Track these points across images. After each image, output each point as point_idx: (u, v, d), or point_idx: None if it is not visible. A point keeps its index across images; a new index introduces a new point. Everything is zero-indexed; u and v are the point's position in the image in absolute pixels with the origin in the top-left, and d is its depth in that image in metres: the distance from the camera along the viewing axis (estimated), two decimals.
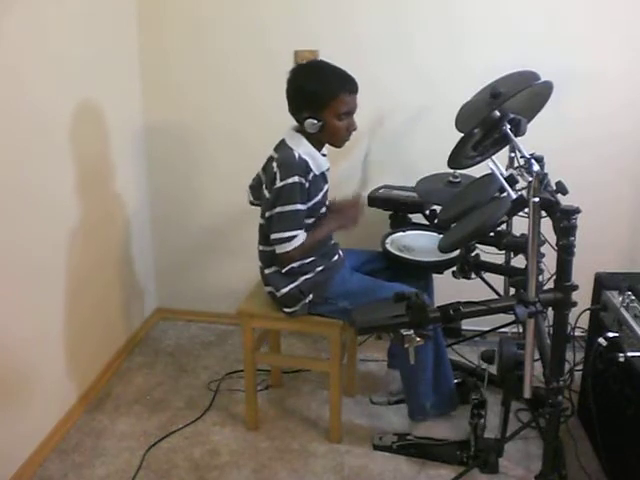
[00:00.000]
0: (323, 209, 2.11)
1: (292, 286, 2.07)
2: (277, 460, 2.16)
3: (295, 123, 2.05)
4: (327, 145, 2.10)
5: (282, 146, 2.04)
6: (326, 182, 2.12)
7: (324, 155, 2.10)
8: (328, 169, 2.11)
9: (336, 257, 2.18)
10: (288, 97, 2.00)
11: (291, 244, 1.96)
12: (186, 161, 2.87)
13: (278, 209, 1.96)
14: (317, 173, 2.02)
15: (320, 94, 1.94)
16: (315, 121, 1.95)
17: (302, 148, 1.99)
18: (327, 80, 1.95)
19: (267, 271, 2.12)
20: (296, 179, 1.93)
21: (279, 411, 2.42)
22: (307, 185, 1.97)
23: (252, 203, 2.24)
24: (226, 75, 2.72)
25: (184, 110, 2.80)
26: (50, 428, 2.20)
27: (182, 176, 2.90)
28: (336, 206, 2.18)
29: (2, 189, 1.88)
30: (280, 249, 1.98)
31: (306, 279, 2.08)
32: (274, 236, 1.98)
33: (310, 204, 2.00)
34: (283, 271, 2.08)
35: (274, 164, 1.99)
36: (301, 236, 1.97)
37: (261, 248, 2.13)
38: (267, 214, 2.02)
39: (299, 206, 1.95)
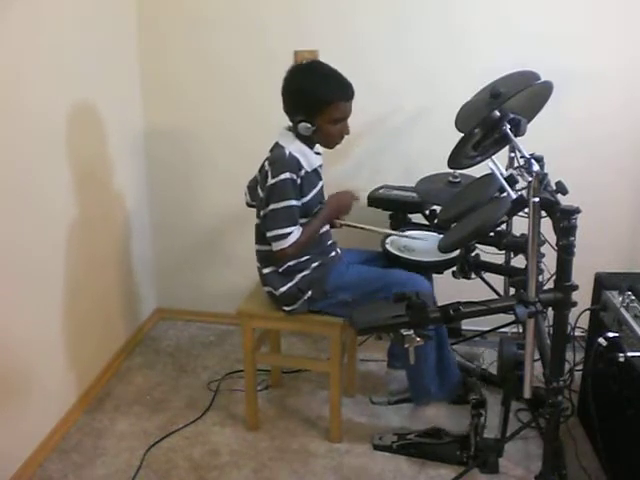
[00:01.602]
0: (320, 206, 2.11)
1: (290, 285, 2.07)
2: (277, 460, 2.16)
3: (288, 122, 2.06)
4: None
5: (275, 146, 2.05)
6: (320, 179, 2.12)
7: (318, 153, 2.10)
8: (321, 166, 2.11)
9: (333, 254, 2.19)
10: (284, 96, 2.01)
11: (287, 240, 1.96)
12: (186, 161, 2.87)
13: (272, 206, 1.97)
14: (309, 170, 2.02)
15: (316, 100, 1.95)
16: (309, 125, 1.97)
17: (293, 146, 2.00)
18: (324, 86, 1.95)
19: (265, 271, 2.12)
20: (287, 175, 1.94)
21: (279, 411, 2.42)
22: (299, 181, 1.98)
23: (248, 204, 2.25)
24: (226, 75, 2.72)
25: (184, 111, 2.80)
26: (50, 428, 2.20)
27: (181, 176, 2.90)
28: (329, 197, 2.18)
29: (1, 189, 1.88)
30: (277, 246, 1.98)
31: (303, 276, 2.08)
32: (270, 234, 1.98)
33: (304, 200, 2.01)
34: (280, 270, 2.08)
35: (266, 163, 2.01)
36: (296, 232, 1.97)
37: (257, 248, 2.13)
38: (262, 213, 2.03)
39: (292, 202, 1.96)
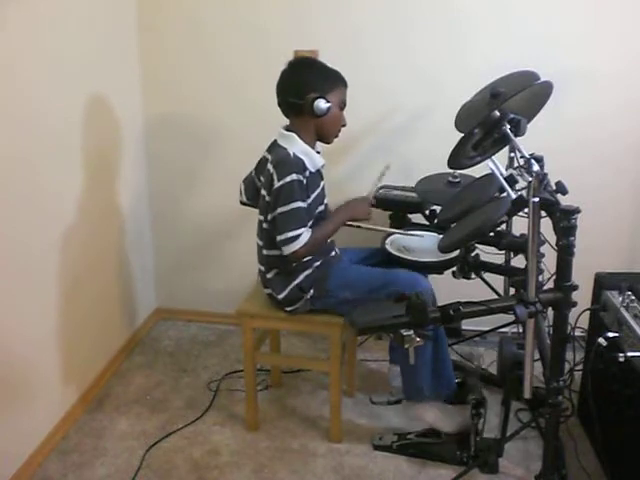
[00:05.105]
0: (321, 207, 2.11)
1: (292, 285, 2.07)
2: (277, 460, 2.16)
3: (286, 123, 2.05)
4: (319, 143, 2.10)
5: (275, 147, 2.04)
6: (322, 179, 2.12)
7: (318, 152, 2.09)
8: (323, 165, 2.09)
9: (333, 253, 2.19)
10: (290, 83, 2.00)
11: (297, 243, 1.93)
12: (186, 160, 2.87)
13: (279, 209, 1.95)
14: (313, 170, 2.01)
15: (332, 76, 1.99)
16: (324, 101, 1.94)
17: (296, 147, 1.99)
18: (330, 69, 2.01)
19: (269, 275, 2.11)
20: (294, 177, 1.92)
21: (279, 411, 2.42)
22: (305, 182, 1.97)
23: (243, 203, 2.24)
24: (226, 75, 2.71)
25: (184, 109, 2.80)
26: (50, 428, 2.20)
27: (182, 175, 2.90)
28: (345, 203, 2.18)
29: (0, 187, 1.88)
30: (287, 249, 1.95)
31: (307, 275, 2.07)
32: (279, 237, 1.95)
33: (308, 202, 2.00)
34: (284, 271, 2.07)
35: (269, 166, 1.99)
36: (306, 234, 1.94)
37: (265, 252, 2.10)
38: (269, 217, 2.01)
39: (300, 204, 1.94)
